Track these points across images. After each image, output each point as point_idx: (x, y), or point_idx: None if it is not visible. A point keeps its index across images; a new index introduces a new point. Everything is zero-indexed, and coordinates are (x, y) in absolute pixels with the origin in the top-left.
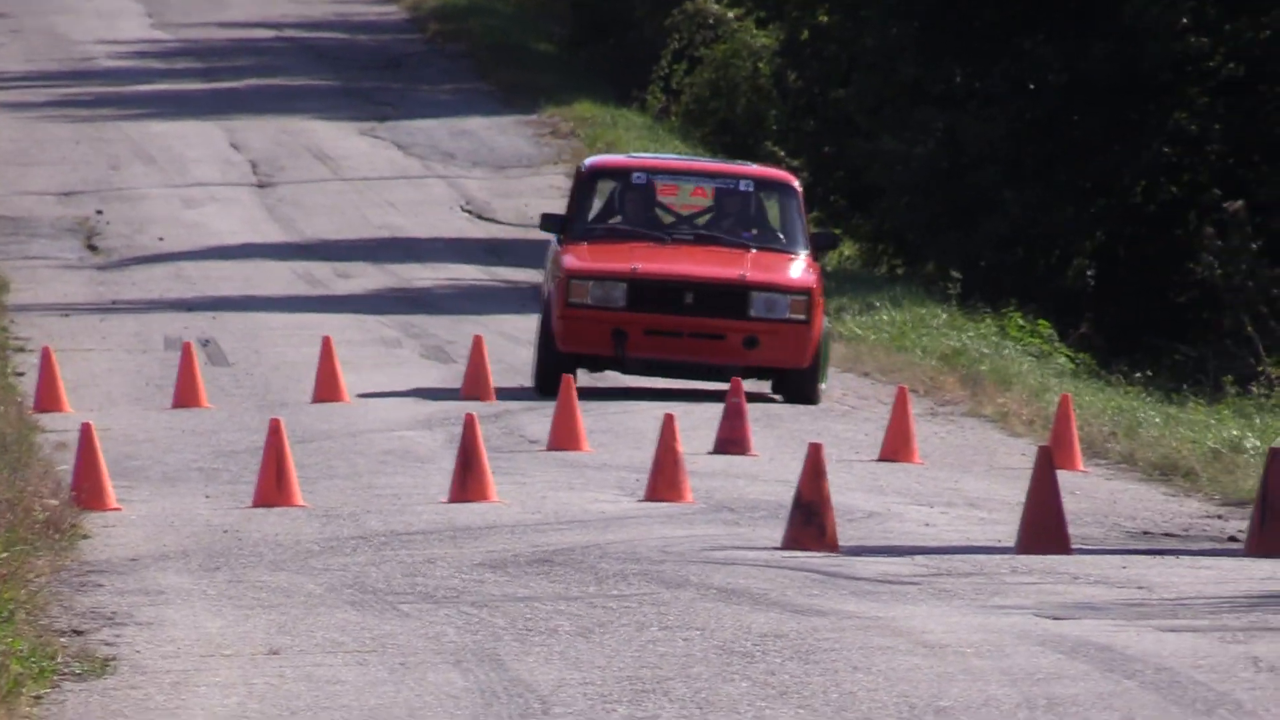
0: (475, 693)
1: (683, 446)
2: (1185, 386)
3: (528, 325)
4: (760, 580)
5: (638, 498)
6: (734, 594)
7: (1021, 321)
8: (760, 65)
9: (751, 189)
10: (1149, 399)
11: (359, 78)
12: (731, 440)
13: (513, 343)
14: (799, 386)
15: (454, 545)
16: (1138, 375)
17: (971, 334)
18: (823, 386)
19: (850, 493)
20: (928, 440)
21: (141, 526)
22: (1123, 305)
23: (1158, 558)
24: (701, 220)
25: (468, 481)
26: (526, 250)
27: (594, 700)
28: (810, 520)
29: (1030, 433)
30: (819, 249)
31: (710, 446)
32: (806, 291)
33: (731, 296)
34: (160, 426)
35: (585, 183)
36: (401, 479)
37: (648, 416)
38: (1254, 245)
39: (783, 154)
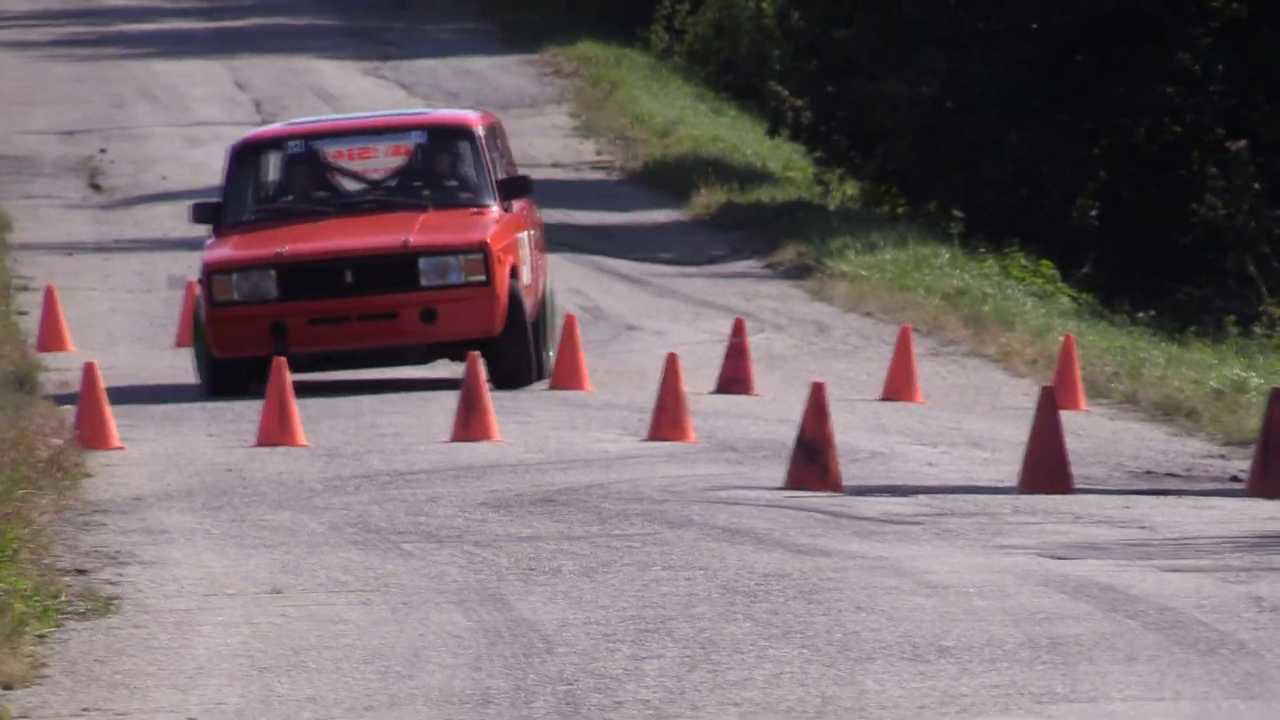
0: (479, 632)
1: (686, 386)
2: (1189, 327)
3: None
4: (763, 520)
5: (641, 437)
6: (737, 534)
7: (1024, 261)
8: (764, 5)
9: (425, 140)
10: (1152, 339)
11: (363, 17)
12: (734, 379)
13: None
14: (502, 360)
15: (457, 484)
16: (1140, 315)
17: (974, 274)
18: (549, 356)
19: (853, 432)
20: (930, 380)
21: (144, 465)
22: (1126, 245)
23: (1160, 498)
24: (391, 184)
25: (470, 421)
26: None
27: (597, 640)
28: (813, 460)
29: (1033, 373)
30: (509, 197)
31: (713, 386)
32: (480, 248)
33: (396, 268)
34: (164, 365)
35: (238, 163)
36: (404, 418)
37: (651, 355)
38: (1256, 185)
39: (786, 93)
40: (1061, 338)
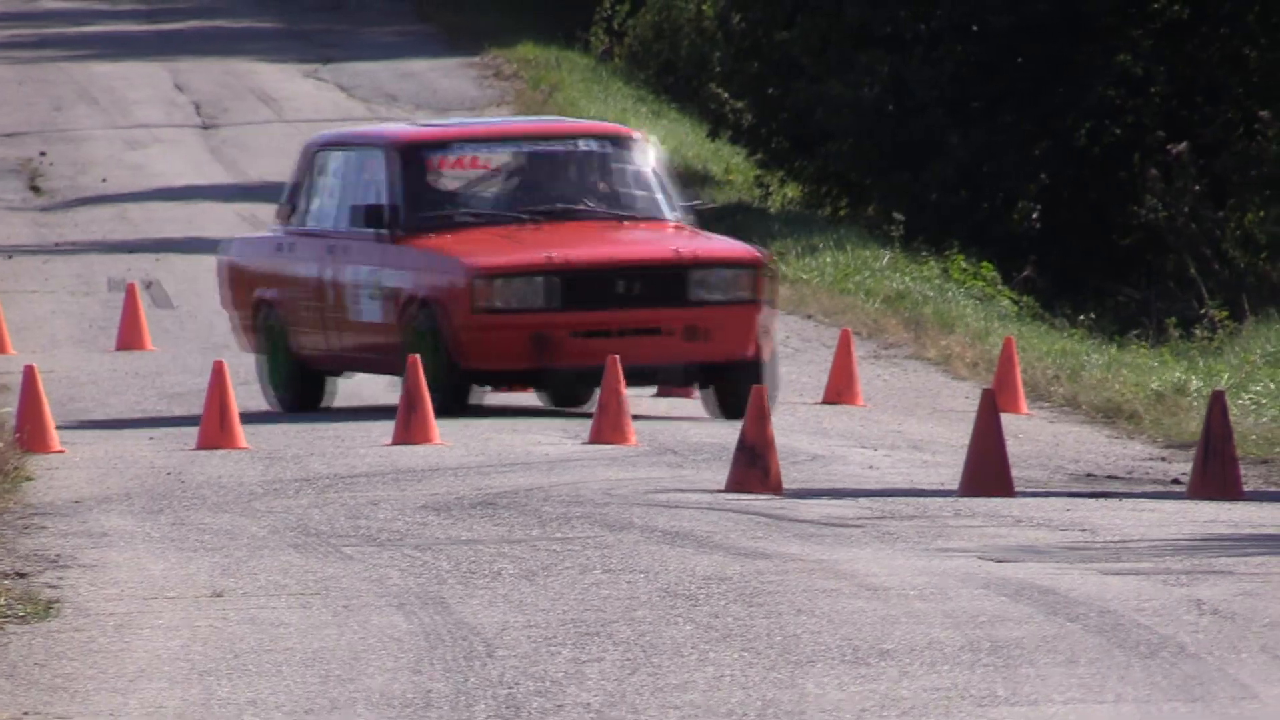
0: (419, 635)
1: (627, 389)
2: (1130, 330)
3: None
4: (704, 523)
5: (581, 440)
6: (678, 537)
7: (965, 264)
8: (704, 6)
9: (594, 148)
10: (1092, 342)
11: (303, 20)
12: None
13: None
14: (747, 383)
15: (397, 488)
16: (1081, 318)
17: (915, 277)
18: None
19: (794, 435)
20: (871, 383)
21: (85, 469)
22: (1066, 248)
23: (1101, 500)
24: (566, 194)
25: (411, 424)
26: None
27: (538, 643)
28: (754, 463)
29: (974, 375)
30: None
31: (654, 389)
32: (754, 263)
33: (665, 280)
34: (104, 368)
35: (405, 165)
36: (344, 421)
37: None
38: (1197, 187)
39: (726, 95)
40: (1002, 341)
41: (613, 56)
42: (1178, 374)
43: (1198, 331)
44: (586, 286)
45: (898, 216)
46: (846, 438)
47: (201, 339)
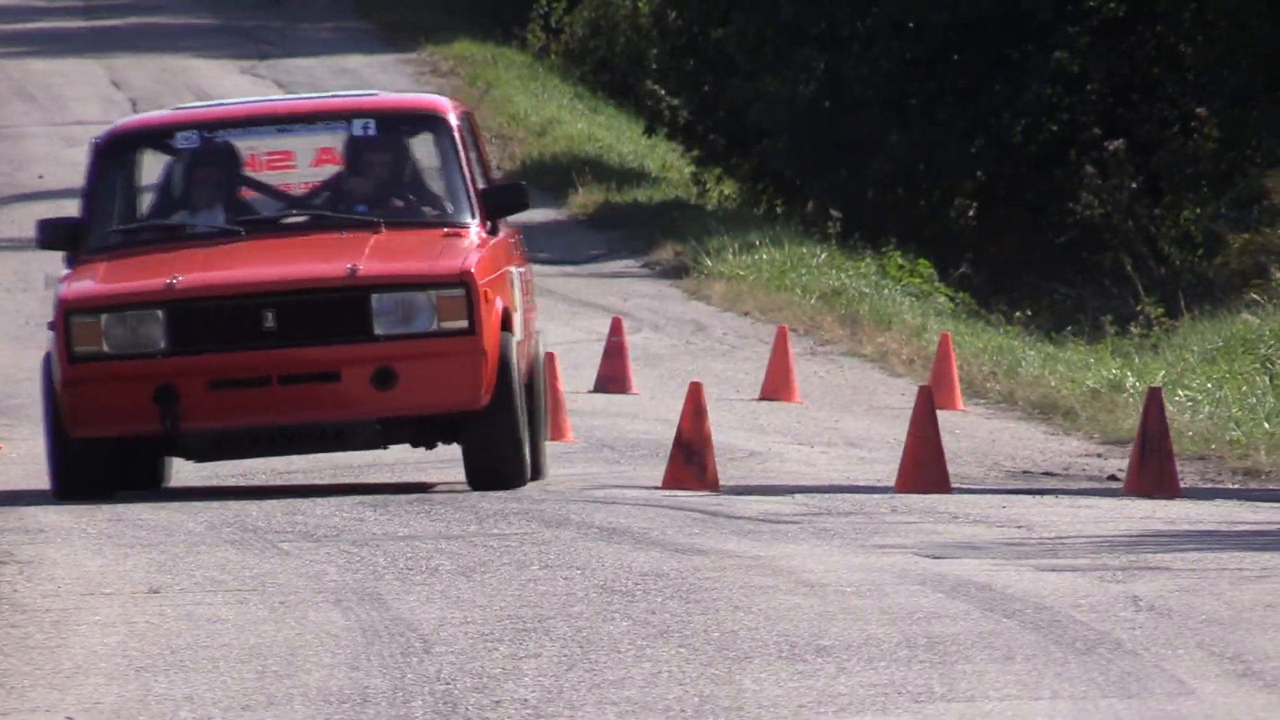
0: (356, 631)
1: (563, 385)
2: (1065, 327)
3: None
4: (641, 519)
5: None
6: (615, 533)
7: (901, 261)
8: (640, 3)
9: (374, 131)
10: (1029, 338)
11: (240, 16)
12: (612, 378)
13: None
14: (484, 446)
15: (334, 483)
16: (1017, 315)
17: (851, 273)
18: (543, 448)
19: (731, 432)
20: (808, 380)
21: (21, 464)
22: (1003, 245)
23: (1037, 497)
24: (324, 195)
25: None
26: None
27: (475, 639)
28: (691, 459)
29: (910, 372)
30: (498, 210)
31: (591, 385)
32: (460, 281)
33: (339, 308)
34: (40, 364)
35: (105, 163)
36: None
37: None
38: (1133, 184)
39: (663, 92)
40: (938, 337)
41: (549, 53)
42: (1114, 371)
43: (1133, 328)
44: (224, 320)
45: (834, 214)
46: (783, 434)
47: None
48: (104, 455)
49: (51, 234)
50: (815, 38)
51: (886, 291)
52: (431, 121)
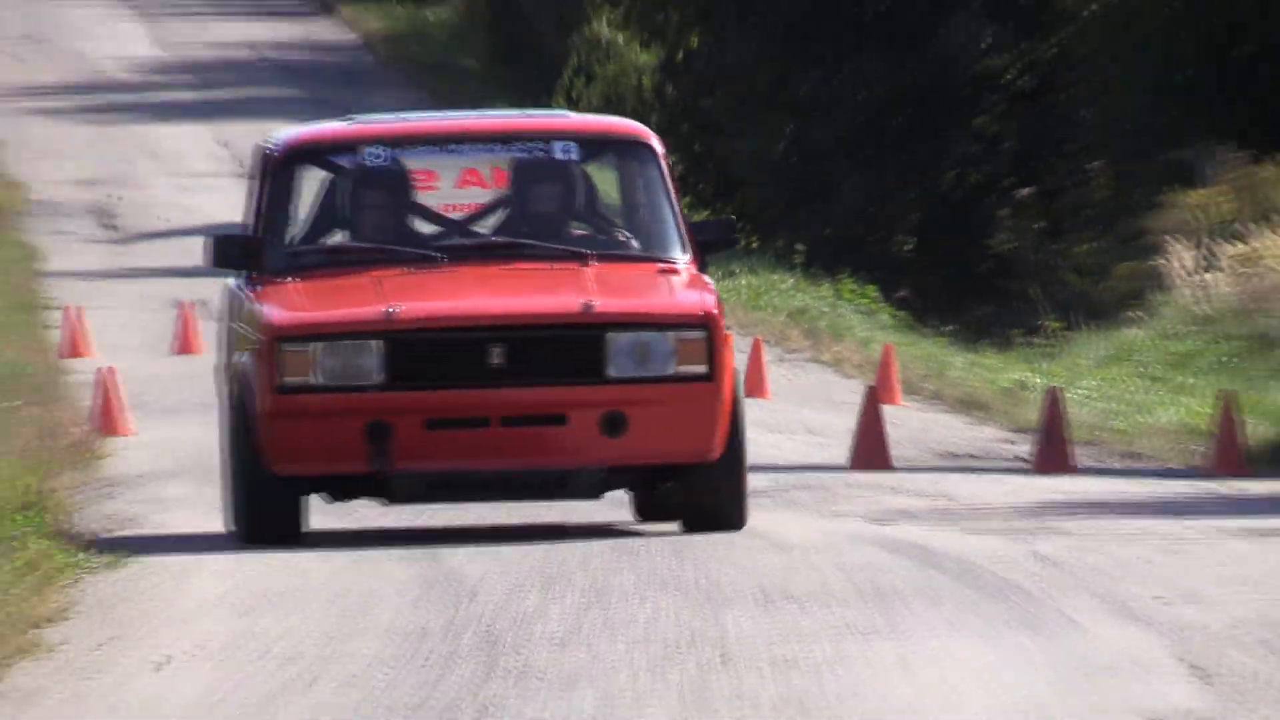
0: (418, 581)
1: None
2: (983, 338)
3: None
4: None
5: None
6: (623, 505)
7: (853, 286)
8: (644, 80)
9: (575, 155)
10: (955, 348)
11: (321, 90)
12: None
13: None
14: (710, 496)
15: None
16: (946, 329)
17: (813, 296)
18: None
19: None
20: (777, 381)
21: (150, 449)
22: (935, 273)
23: (962, 474)
24: (489, 222)
25: None
26: None
27: (511, 588)
28: None
29: (860, 375)
30: (708, 246)
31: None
32: (704, 323)
33: (568, 346)
34: (164, 369)
35: (282, 175)
36: None
37: None
38: (1040, 225)
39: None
40: (882, 347)
41: None
42: (1022, 374)
43: (1037, 340)
44: (446, 355)
45: (800, 247)
46: (757, 425)
47: None
48: (300, 495)
49: (225, 250)
50: (785, 105)
51: (841, 310)
52: (637, 148)
